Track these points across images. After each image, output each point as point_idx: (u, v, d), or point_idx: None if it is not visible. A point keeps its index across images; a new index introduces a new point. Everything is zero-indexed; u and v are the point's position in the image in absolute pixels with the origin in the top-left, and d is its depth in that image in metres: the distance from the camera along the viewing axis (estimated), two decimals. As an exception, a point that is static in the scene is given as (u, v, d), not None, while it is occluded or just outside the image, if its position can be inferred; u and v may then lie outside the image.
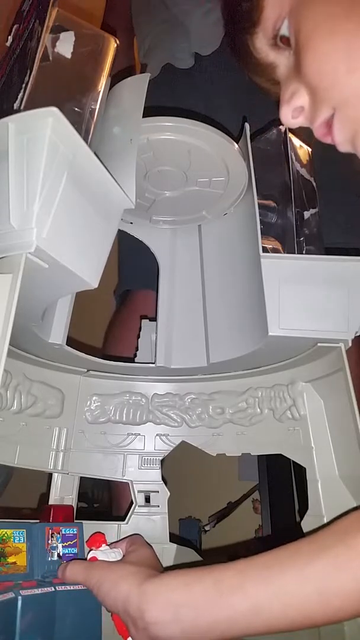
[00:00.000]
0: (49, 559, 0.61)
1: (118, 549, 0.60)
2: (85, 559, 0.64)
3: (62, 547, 0.62)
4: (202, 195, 0.67)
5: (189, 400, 0.79)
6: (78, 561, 0.57)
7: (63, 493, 0.76)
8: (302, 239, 0.62)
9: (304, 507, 0.71)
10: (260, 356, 0.66)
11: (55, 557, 0.61)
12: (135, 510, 0.77)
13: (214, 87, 0.89)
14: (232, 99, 0.86)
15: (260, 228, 0.59)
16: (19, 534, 0.59)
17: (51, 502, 0.75)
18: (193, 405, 0.78)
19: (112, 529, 0.76)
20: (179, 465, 1.07)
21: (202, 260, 0.75)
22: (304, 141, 0.69)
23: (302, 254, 0.61)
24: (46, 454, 0.75)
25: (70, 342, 0.65)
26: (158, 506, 0.77)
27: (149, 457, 0.79)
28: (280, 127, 0.67)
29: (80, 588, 0.55)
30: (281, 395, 0.73)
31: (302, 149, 0.69)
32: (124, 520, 0.76)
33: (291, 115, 0.53)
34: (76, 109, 0.51)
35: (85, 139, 0.48)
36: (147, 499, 0.78)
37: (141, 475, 0.78)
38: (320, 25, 0.48)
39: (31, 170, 0.41)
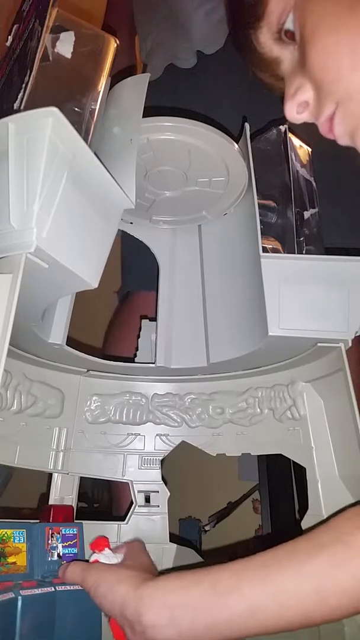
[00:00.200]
0: (49, 559, 0.61)
1: (121, 554, 0.59)
2: (86, 560, 0.64)
3: (62, 547, 0.62)
4: (202, 195, 0.67)
5: (189, 400, 0.79)
6: (77, 562, 0.57)
7: (63, 493, 0.76)
8: (302, 239, 0.62)
9: (304, 507, 0.71)
10: (260, 356, 0.66)
11: (55, 557, 0.61)
12: (135, 510, 0.77)
13: (217, 87, 0.89)
14: (235, 98, 0.86)
15: (260, 228, 0.59)
16: (19, 534, 0.60)
17: (51, 502, 0.75)
18: (193, 405, 0.78)
19: (112, 529, 0.76)
20: (179, 465, 1.07)
21: (202, 260, 0.75)
22: (304, 141, 0.69)
23: (302, 254, 0.61)
24: (46, 454, 0.75)
25: (70, 342, 0.65)
26: (158, 506, 0.77)
27: (149, 457, 0.79)
28: (280, 127, 0.67)
29: (80, 588, 0.55)
30: (281, 395, 0.73)
31: (302, 149, 0.69)
32: (124, 520, 0.77)
33: (296, 110, 0.53)
34: (76, 109, 0.51)
35: (85, 139, 0.48)
36: (147, 499, 0.78)
37: (141, 475, 0.78)
38: (326, 19, 0.48)
39: (31, 170, 0.41)
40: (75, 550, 0.63)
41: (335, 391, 0.63)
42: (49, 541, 0.62)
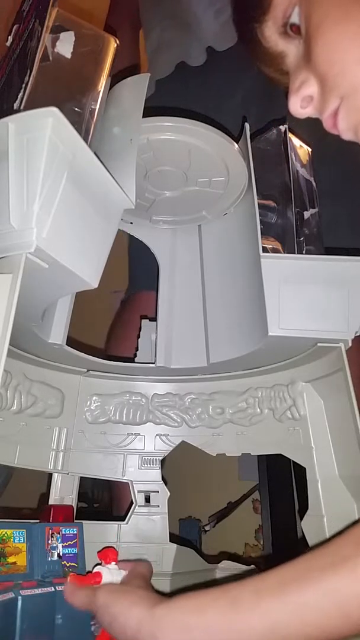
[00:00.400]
0: (49, 559, 0.61)
1: (125, 571, 0.58)
2: (85, 561, 0.64)
3: (62, 547, 0.62)
4: (202, 195, 0.67)
5: (189, 400, 0.79)
6: (83, 587, 0.54)
7: (63, 493, 0.76)
8: (302, 239, 0.62)
9: (304, 507, 0.71)
10: (260, 356, 0.66)
11: (55, 557, 0.61)
12: (135, 510, 0.77)
13: (229, 84, 0.88)
14: (246, 96, 0.86)
15: (260, 228, 0.59)
16: (19, 534, 0.60)
17: (51, 502, 0.75)
18: (193, 405, 0.78)
19: (112, 529, 0.76)
20: (179, 465, 1.07)
21: (202, 260, 0.75)
22: (304, 141, 0.69)
23: (302, 254, 0.61)
24: (46, 454, 0.75)
25: (70, 342, 0.65)
26: (158, 506, 0.77)
27: (149, 457, 0.79)
28: (280, 127, 0.67)
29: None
30: (281, 395, 0.73)
31: (302, 149, 0.69)
32: (124, 520, 0.77)
33: (300, 104, 0.52)
34: (76, 109, 0.51)
35: (85, 139, 0.48)
36: (147, 499, 0.78)
37: (141, 475, 0.78)
38: (331, 12, 0.48)
39: (31, 170, 0.41)
40: (75, 550, 0.63)
41: (335, 391, 0.63)
42: (49, 541, 0.62)
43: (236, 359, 0.67)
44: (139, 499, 0.77)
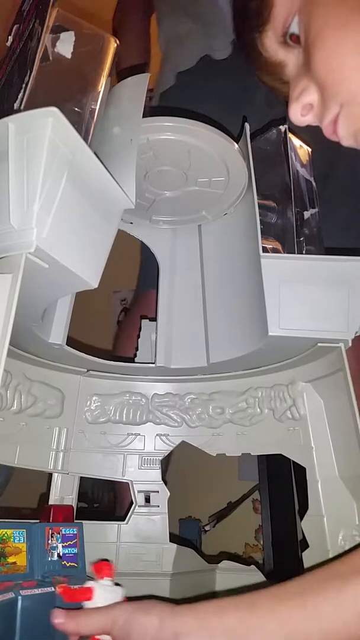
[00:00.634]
0: (49, 559, 0.61)
1: (120, 588, 0.54)
2: (85, 561, 0.64)
3: (62, 547, 0.62)
4: (202, 195, 0.67)
5: (189, 400, 0.79)
6: (92, 613, 0.50)
7: (63, 493, 0.76)
8: (302, 239, 0.62)
9: (304, 507, 0.71)
10: (260, 356, 0.66)
11: (55, 557, 0.61)
12: (135, 510, 0.77)
13: (253, 78, 0.88)
14: (271, 91, 0.85)
15: (260, 228, 0.59)
16: (19, 534, 0.60)
17: (51, 502, 0.75)
18: (193, 405, 0.78)
19: (112, 529, 0.76)
20: (179, 465, 1.07)
21: (202, 260, 0.75)
22: (304, 141, 0.69)
23: (302, 254, 0.61)
24: (46, 454, 0.75)
25: (70, 342, 0.65)
26: (158, 506, 0.77)
27: (149, 457, 0.79)
28: (280, 127, 0.67)
29: (79, 587, 0.55)
30: (281, 395, 0.73)
31: (302, 149, 0.69)
32: (124, 520, 0.77)
33: (300, 112, 0.53)
34: (76, 109, 0.51)
35: (85, 139, 0.47)
36: (147, 499, 0.78)
37: (141, 475, 0.78)
38: (330, 21, 0.48)
39: (31, 171, 0.41)
40: (75, 550, 0.63)
41: (335, 391, 0.63)
42: (49, 541, 0.62)
43: (236, 359, 0.67)
44: (139, 499, 0.77)
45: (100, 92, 0.54)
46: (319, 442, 0.69)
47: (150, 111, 0.93)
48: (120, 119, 0.55)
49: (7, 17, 0.57)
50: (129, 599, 0.53)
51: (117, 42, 0.56)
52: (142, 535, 0.76)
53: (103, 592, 0.52)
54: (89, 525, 0.68)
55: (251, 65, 0.58)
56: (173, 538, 0.76)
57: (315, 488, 0.68)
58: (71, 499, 0.75)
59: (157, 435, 0.79)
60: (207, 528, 1.43)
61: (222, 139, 0.58)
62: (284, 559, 0.93)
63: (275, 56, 0.54)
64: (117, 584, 0.54)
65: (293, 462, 0.73)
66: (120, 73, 0.98)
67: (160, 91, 0.95)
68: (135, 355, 0.78)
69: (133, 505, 0.77)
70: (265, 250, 0.59)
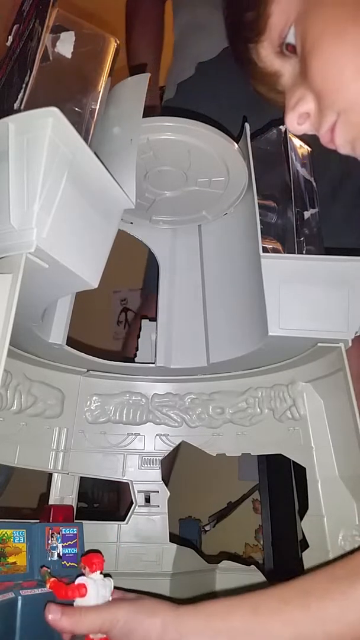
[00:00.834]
0: (49, 559, 0.61)
1: (110, 580, 0.52)
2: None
3: (62, 547, 0.62)
4: (202, 195, 0.67)
5: (189, 400, 0.79)
6: (89, 612, 0.49)
7: (63, 493, 0.76)
8: (302, 239, 0.62)
9: (304, 507, 0.71)
10: (260, 356, 0.66)
11: (55, 557, 0.61)
12: (135, 510, 0.77)
13: None
14: None
15: (260, 228, 0.59)
16: (19, 534, 0.59)
17: (51, 502, 0.75)
18: (193, 405, 0.78)
19: (112, 529, 0.76)
20: (179, 465, 1.07)
21: (202, 260, 0.75)
22: (304, 141, 0.69)
23: (302, 254, 0.61)
24: (46, 454, 0.75)
25: (70, 342, 0.65)
26: (158, 506, 0.77)
27: (149, 457, 0.79)
28: (281, 127, 0.67)
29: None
30: (281, 395, 0.73)
31: (302, 149, 0.69)
32: (123, 520, 0.77)
33: (297, 121, 0.53)
34: (76, 108, 0.51)
35: (86, 139, 0.47)
36: (147, 499, 0.78)
37: (141, 475, 0.78)
38: (328, 30, 0.48)
39: (31, 170, 0.41)
40: (75, 550, 0.63)
41: (335, 391, 0.63)
42: (49, 541, 0.62)
43: (236, 359, 0.67)
44: (139, 499, 0.77)
45: (100, 92, 0.54)
46: (319, 442, 0.69)
47: (165, 104, 0.90)
48: (120, 119, 0.55)
49: (7, 17, 0.57)
50: (127, 590, 0.53)
51: (117, 41, 0.56)
52: (142, 535, 0.76)
53: (95, 588, 0.50)
54: (89, 525, 0.68)
55: (246, 75, 0.58)
56: (173, 538, 0.76)
57: (315, 488, 0.68)
58: (71, 499, 0.75)
59: (157, 435, 0.79)
60: (207, 528, 1.43)
61: (222, 139, 0.58)
62: (284, 559, 0.93)
63: (271, 66, 0.54)
64: (107, 575, 0.53)
65: (293, 462, 0.73)
66: (133, 68, 0.97)
67: (177, 82, 0.92)
68: (135, 355, 0.78)
69: (133, 505, 0.77)
70: (265, 250, 0.59)
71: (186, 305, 0.74)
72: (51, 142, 0.41)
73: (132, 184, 0.51)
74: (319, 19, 0.49)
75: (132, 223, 0.75)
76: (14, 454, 0.71)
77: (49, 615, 0.48)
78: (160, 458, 0.79)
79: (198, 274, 0.74)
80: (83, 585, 0.50)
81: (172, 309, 0.74)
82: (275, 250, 0.61)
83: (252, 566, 0.78)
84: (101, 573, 0.52)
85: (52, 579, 0.53)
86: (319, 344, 0.60)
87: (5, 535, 0.58)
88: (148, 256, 0.99)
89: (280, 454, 0.73)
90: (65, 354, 0.67)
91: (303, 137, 0.69)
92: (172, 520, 0.78)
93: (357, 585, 0.43)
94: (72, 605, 0.51)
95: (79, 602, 0.50)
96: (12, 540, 0.59)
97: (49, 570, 0.57)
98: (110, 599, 0.52)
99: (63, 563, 0.61)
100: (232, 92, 0.80)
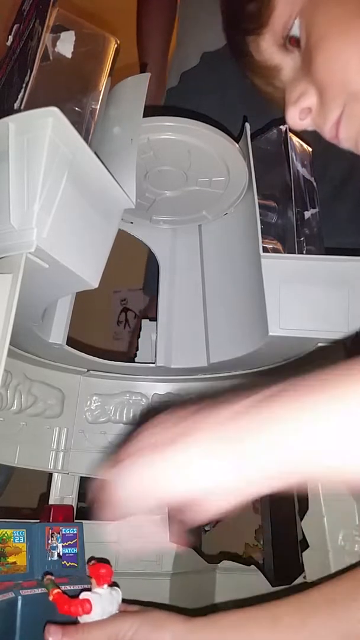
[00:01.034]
0: (49, 559, 0.61)
1: (118, 593, 0.50)
2: (85, 561, 0.64)
3: (62, 547, 0.62)
4: (202, 195, 0.67)
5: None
6: (94, 629, 0.47)
7: (63, 493, 0.76)
8: (302, 239, 0.62)
9: (304, 507, 0.71)
10: (260, 356, 0.65)
11: (55, 557, 0.61)
12: (135, 510, 0.76)
13: None
14: None
15: (261, 228, 0.59)
16: (19, 534, 0.60)
17: (51, 502, 0.75)
18: (193, 405, 0.78)
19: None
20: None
21: (202, 260, 0.74)
22: (304, 141, 0.69)
23: (302, 254, 0.61)
24: (46, 454, 0.75)
25: (70, 342, 0.65)
26: (158, 506, 0.77)
27: (149, 457, 0.78)
28: (281, 126, 0.67)
29: (79, 587, 0.55)
30: (281, 395, 0.73)
31: (303, 149, 0.69)
32: (124, 520, 0.76)
33: (298, 116, 0.52)
34: (76, 108, 0.51)
35: (86, 139, 0.47)
36: (147, 499, 0.77)
37: (141, 475, 0.78)
38: (334, 24, 0.48)
39: (31, 170, 0.41)
40: (75, 550, 0.63)
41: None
42: (49, 541, 0.62)
43: (236, 359, 0.67)
44: (139, 499, 0.77)
45: (100, 91, 0.54)
46: (319, 442, 0.69)
47: (167, 93, 0.88)
48: (120, 119, 0.55)
49: (7, 16, 0.57)
50: (128, 602, 0.51)
51: (118, 41, 0.56)
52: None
53: (100, 603, 0.48)
54: (89, 525, 0.68)
55: (243, 68, 0.57)
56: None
57: (315, 488, 0.68)
58: (71, 499, 0.75)
59: (157, 435, 0.79)
60: (207, 528, 1.43)
61: (222, 139, 0.58)
62: (284, 559, 0.93)
63: (272, 60, 0.53)
64: (114, 584, 0.51)
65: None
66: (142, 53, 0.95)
67: (181, 70, 0.91)
68: (135, 355, 0.78)
69: (133, 505, 0.77)
70: (265, 250, 0.59)
71: (186, 305, 0.74)
72: (51, 142, 0.41)
73: (132, 183, 0.51)
74: (324, 12, 0.48)
75: (132, 223, 0.75)
76: (14, 454, 0.71)
77: (49, 638, 0.46)
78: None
79: (198, 274, 0.74)
80: (87, 601, 0.47)
81: (172, 308, 0.74)
82: (275, 250, 0.60)
83: (252, 566, 0.78)
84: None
85: (56, 591, 0.51)
86: (319, 344, 0.60)
87: (5, 535, 0.58)
88: (148, 256, 0.99)
89: (280, 454, 0.73)
90: (65, 354, 0.67)
91: (303, 137, 0.69)
92: (172, 520, 0.78)
93: None
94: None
95: (83, 619, 0.48)
96: (12, 540, 0.59)
97: (52, 579, 0.56)
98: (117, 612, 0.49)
99: (63, 563, 0.62)
100: (237, 85, 0.79)
